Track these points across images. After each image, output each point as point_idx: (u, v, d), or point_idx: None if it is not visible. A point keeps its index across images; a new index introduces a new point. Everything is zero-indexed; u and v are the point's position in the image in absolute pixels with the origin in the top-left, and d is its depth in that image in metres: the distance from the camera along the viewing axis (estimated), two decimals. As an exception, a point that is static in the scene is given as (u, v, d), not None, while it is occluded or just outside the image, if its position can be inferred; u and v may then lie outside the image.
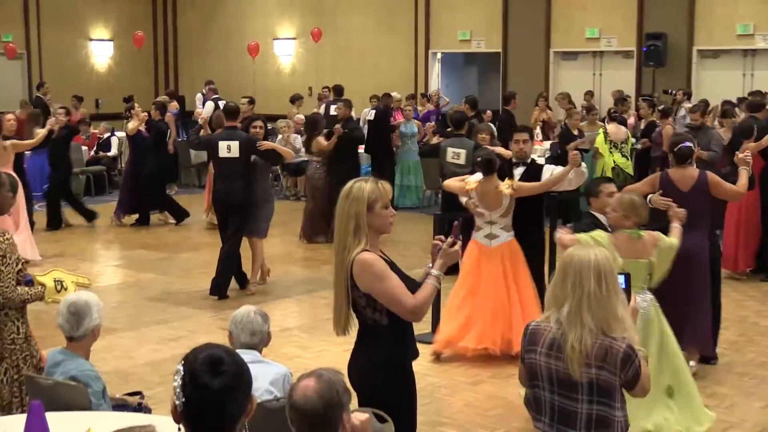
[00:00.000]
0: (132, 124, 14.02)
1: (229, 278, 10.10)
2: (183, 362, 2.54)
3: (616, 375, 3.57)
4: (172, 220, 14.25)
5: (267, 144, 10.28)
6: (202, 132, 10.75)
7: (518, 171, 8.16)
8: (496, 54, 19.97)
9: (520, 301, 7.78)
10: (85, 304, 4.70)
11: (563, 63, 19.39)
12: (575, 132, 13.70)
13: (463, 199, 7.92)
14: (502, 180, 7.80)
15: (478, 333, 7.82)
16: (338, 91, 17.83)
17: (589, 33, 18.72)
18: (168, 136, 14.93)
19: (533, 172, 8.07)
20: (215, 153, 10.13)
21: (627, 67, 18.54)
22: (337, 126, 13.21)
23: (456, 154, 10.76)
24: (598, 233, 6.11)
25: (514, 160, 8.28)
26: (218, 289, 10.00)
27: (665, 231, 6.38)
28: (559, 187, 7.90)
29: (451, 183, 8.11)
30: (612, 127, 14.44)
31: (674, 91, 16.66)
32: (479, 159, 7.78)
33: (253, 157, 10.08)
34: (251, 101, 14.72)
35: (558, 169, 7.90)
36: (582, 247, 3.71)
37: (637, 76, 18.34)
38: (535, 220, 8.15)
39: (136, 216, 14.24)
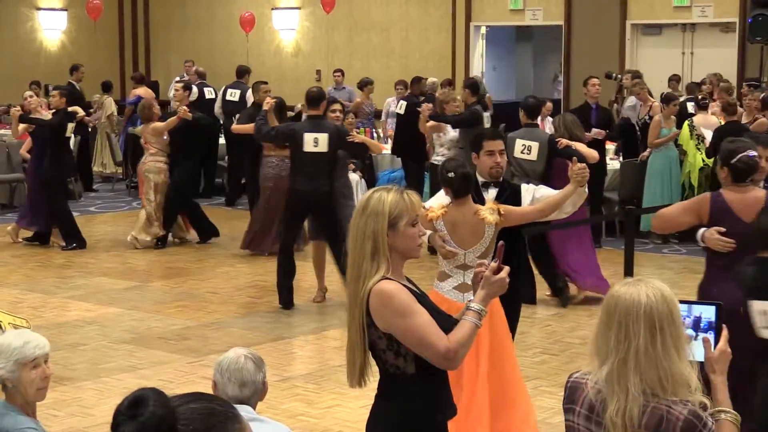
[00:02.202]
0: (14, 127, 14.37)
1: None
2: None
3: None
4: (62, 242, 14.21)
5: (359, 137, 11.30)
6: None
7: (490, 194, 7.24)
8: (556, 28, 19.99)
9: (501, 393, 6.79)
10: None
11: (644, 39, 19.40)
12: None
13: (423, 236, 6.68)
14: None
15: None
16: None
17: (677, 1, 18.73)
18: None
19: (512, 194, 7.18)
20: (298, 147, 10.86)
21: (726, 43, 18.53)
22: (183, 107, 13.94)
23: (526, 147, 11.16)
24: None
25: (482, 179, 7.30)
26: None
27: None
28: (552, 215, 7.21)
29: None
30: (700, 118, 14.46)
31: (618, 75, 16.92)
32: (450, 174, 6.77)
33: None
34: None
35: (543, 189, 7.26)
36: (632, 283, 3.55)
37: (739, 54, 18.32)
38: (513, 246, 6.85)
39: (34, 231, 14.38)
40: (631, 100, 16.09)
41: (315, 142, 10.79)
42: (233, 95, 18.01)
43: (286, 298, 11.22)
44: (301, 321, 10.84)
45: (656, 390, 3.49)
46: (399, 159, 16.18)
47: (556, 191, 7.11)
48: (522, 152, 11.20)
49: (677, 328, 3.49)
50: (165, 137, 14.09)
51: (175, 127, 13.95)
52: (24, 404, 4.73)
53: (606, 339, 3.53)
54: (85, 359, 9.49)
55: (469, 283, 6.54)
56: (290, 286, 11.25)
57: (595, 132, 13.62)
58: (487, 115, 14.30)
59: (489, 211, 6.78)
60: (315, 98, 11.02)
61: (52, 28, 23.54)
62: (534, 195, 7.11)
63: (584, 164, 7.01)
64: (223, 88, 18.37)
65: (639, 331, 3.46)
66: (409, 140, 15.69)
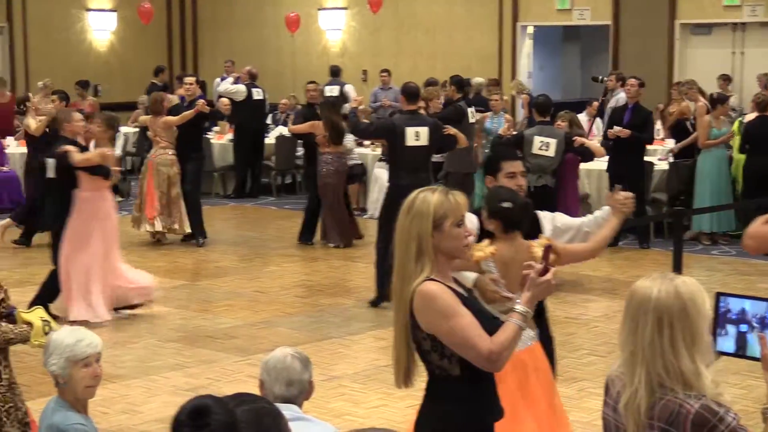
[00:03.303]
0: (32, 122, 14.44)
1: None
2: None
3: None
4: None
5: (452, 129, 11.46)
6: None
7: None
8: (604, 27, 19.90)
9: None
10: (50, 342, 4.80)
11: (693, 39, 19.27)
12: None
13: (469, 277, 5.43)
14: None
15: None
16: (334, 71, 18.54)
17: (727, 0, 18.59)
18: None
19: (532, 223, 6.10)
20: (400, 141, 11.03)
21: (777, 43, 18.39)
22: (202, 101, 14.02)
23: (544, 144, 11.54)
24: None
25: None
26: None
27: None
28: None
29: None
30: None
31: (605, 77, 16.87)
32: (507, 204, 5.74)
33: None
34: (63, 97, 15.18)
35: (561, 217, 6.31)
36: (653, 278, 3.58)
37: (789, 54, 18.17)
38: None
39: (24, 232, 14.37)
40: (614, 101, 16.02)
41: (416, 135, 11.05)
42: (332, 91, 18.58)
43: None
44: (347, 321, 10.86)
45: (665, 383, 3.52)
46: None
47: (576, 219, 6.32)
48: (540, 149, 11.61)
49: (691, 324, 3.50)
50: (174, 130, 14.06)
51: (187, 121, 13.89)
52: (75, 401, 4.77)
53: (623, 331, 3.60)
54: (133, 357, 9.56)
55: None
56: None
57: (617, 130, 13.61)
58: (471, 110, 14.56)
59: (540, 248, 5.40)
60: (413, 93, 11.38)
61: (101, 29, 23.73)
62: (554, 224, 6.18)
63: (631, 194, 6.10)
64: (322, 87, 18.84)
65: (647, 325, 3.51)
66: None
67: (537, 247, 5.57)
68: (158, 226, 14.12)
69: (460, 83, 14.98)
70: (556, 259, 5.42)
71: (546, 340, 6.14)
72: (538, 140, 11.67)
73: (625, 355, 3.57)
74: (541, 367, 5.89)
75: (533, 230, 5.96)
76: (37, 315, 5.50)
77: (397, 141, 11.07)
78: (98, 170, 10.50)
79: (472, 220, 5.63)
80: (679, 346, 3.51)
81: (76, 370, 4.71)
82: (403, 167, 11.03)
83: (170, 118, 14.07)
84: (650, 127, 14.35)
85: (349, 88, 18.99)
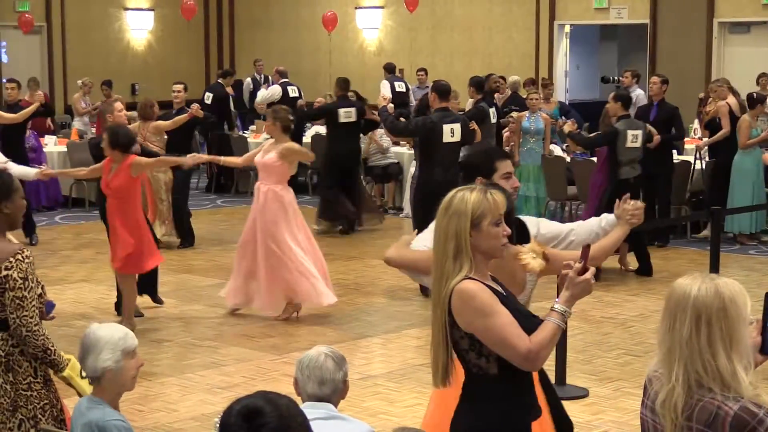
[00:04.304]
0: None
1: None
2: (219, 417, 2.64)
3: None
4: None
5: (473, 124, 12.01)
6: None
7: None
8: (642, 26, 19.81)
9: None
10: (94, 340, 4.79)
11: (731, 37, 19.14)
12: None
13: (507, 234, 4.92)
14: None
15: None
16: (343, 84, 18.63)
17: (765, -2, 18.48)
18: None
19: (520, 228, 5.57)
20: (437, 138, 11.40)
21: (817, 42, 18.24)
22: (196, 104, 13.96)
23: (634, 137, 12.33)
24: None
25: None
26: None
27: None
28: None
29: (411, 255, 5.43)
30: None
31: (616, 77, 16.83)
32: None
33: None
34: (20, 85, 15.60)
35: (546, 223, 5.85)
36: (693, 277, 3.56)
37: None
38: None
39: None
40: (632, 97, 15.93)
41: (451, 132, 11.45)
42: (401, 86, 19.01)
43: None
44: (382, 320, 10.85)
45: (702, 382, 3.48)
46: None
47: (563, 226, 5.87)
48: (632, 142, 12.24)
49: (730, 325, 3.46)
50: (164, 136, 13.86)
51: (181, 125, 13.80)
52: (112, 399, 4.78)
53: (661, 329, 3.58)
54: (169, 355, 9.58)
55: None
56: None
57: (656, 140, 13.56)
58: (492, 111, 14.64)
59: (531, 254, 5.02)
60: (445, 90, 11.73)
61: (139, 28, 23.86)
62: (539, 230, 5.67)
63: (641, 204, 5.67)
64: (387, 83, 19.11)
65: (684, 322, 3.48)
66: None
67: (525, 253, 4.98)
68: (159, 233, 13.67)
69: (479, 84, 15.05)
70: (547, 267, 4.99)
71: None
72: (630, 134, 12.24)
73: (662, 352, 3.55)
74: None
75: (521, 236, 5.40)
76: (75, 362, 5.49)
77: (434, 138, 11.37)
78: None
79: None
80: (717, 345, 3.47)
81: (127, 362, 4.75)
82: (438, 163, 11.35)
83: (162, 122, 13.89)
84: (678, 123, 14.25)
85: (383, 86, 19.00)
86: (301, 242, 10.55)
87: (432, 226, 5.03)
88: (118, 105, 11.23)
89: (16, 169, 9.53)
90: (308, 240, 10.68)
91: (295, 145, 10.79)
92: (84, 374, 5.28)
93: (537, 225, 5.69)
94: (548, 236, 5.66)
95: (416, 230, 5.62)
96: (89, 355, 4.75)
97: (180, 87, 15.06)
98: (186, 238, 14.23)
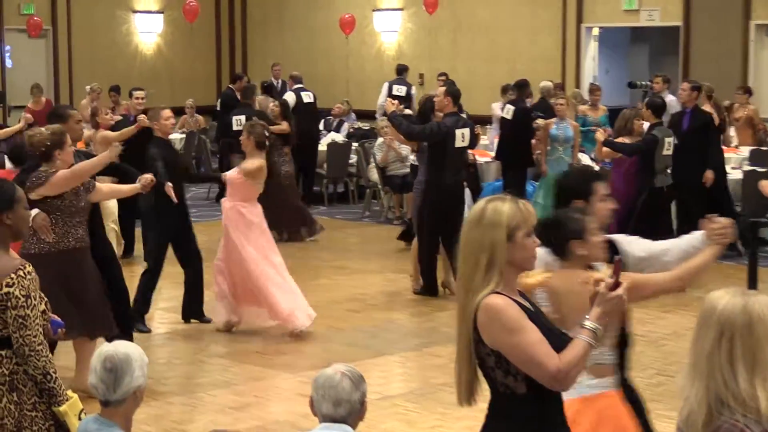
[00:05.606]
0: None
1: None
2: None
3: None
4: None
5: (479, 128, 12.83)
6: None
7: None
8: (674, 29, 19.74)
9: None
10: (125, 358, 4.79)
11: (768, 40, 19.10)
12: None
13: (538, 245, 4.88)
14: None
15: None
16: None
17: (804, -1, 18.41)
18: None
19: (610, 248, 5.56)
20: (451, 143, 11.82)
21: None
22: (142, 116, 13.13)
23: (669, 144, 12.64)
24: None
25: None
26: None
27: None
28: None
29: None
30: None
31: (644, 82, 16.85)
32: (553, 219, 5.39)
33: None
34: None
35: (639, 242, 5.75)
36: (725, 291, 3.53)
37: None
38: None
39: None
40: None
41: (462, 137, 11.90)
42: (399, 90, 18.72)
43: (434, 287, 12.14)
44: (402, 337, 10.81)
45: (723, 400, 3.45)
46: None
47: (656, 244, 5.75)
48: (666, 149, 12.59)
49: (755, 344, 3.44)
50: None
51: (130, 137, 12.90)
52: (126, 421, 4.78)
53: (691, 342, 3.58)
54: (178, 374, 9.57)
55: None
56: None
57: None
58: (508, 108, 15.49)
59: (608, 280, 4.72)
60: (459, 95, 12.25)
61: (148, 31, 23.91)
62: (633, 252, 5.62)
63: (729, 221, 5.56)
64: (387, 84, 19.07)
65: (707, 337, 3.48)
66: (513, 147, 15.66)
67: (600, 278, 4.69)
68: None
69: (521, 86, 15.96)
70: (632, 293, 4.69)
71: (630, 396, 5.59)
72: (667, 141, 12.64)
73: (687, 366, 3.55)
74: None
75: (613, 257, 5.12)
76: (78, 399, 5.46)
77: (448, 143, 11.79)
78: None
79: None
80: (738, 364, 3.45)
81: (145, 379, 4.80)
82: (449, 168, 11.87)
83: (108, 133, 13.31)
84: (713, 132, 14.17)
85: (397, 89, 18.87)
86: (263, 262, 10.60)
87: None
88: (167, 112, 10.91)
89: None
90: (266, 259, 10.67)
91: (253, 165, 10.67)
92: (84, 413, 5.26)
93: (628, 245, 5.62)
94: (640, 257, 5.60)
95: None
96: (125, 375, 4.73)
97: (141, 93, 14.70)
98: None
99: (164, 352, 10.16)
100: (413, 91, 19.00)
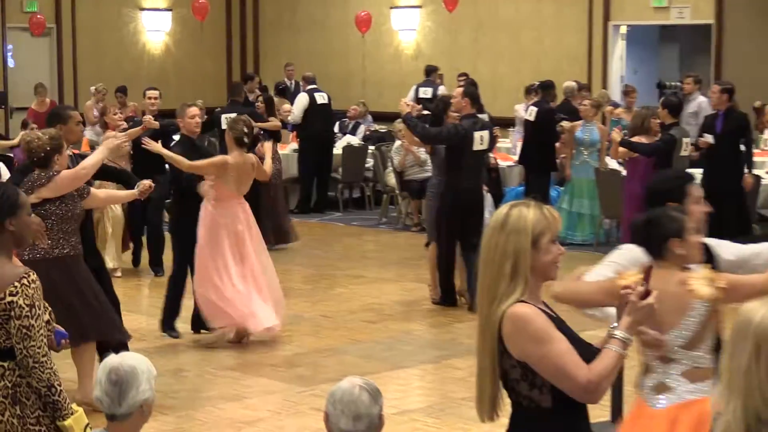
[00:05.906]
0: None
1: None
2: None
3: None
4: None
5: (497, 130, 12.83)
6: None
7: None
8: (705, 27, 19.71)
9: None
10: (131, 370, 4.79)
11: (804, 39, 19.06)
12: None
13: (608, 312, 5.39)
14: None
15: None
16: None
17: (841, -4, 18.37)
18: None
19: (705, 251, 5.73)
20: (468, 146, 11.76)
21: None
22: (148, 116, 13.35)
23: (687, 144, 12.72)
24: None
25: None
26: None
27: None
28: None
29: (582, 287, 5.55)
30: None
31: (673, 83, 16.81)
32: (650, 218, 5.41)
33: None
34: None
35: (727, 246, 5.86)
36: (760, 302, 3.47)
37: None
38: None
39: None
40: (692, 106, 15.85)
41: (481, 140, 11.87)
42: (426, 93, 18.82)
43: (451, 295, 12.15)
44: (420, 349, 10.80)
45: (762, 417, 3.39)
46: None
47: (746, 248, 5.88)
48: (684, 150, 12.69)
49: None
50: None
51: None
52: None
53: (724, 357, 3.53)
54: (186, 387, 9.56)
55: (667, 381, 5.27)
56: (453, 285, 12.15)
57: (706, 137, 13.56)
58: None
59: (702, 281, 5.14)
60: (477, 96, 12.27)
61: (155, 30, 23.95)
62: (725, 256, 5.74)
63: None
64: (414, 87, 19.19)
65: (744, 351, 3.42)
66: (537, 150, 15.66)
67: (696, 279, 5.15)
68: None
69: (548, 86, 15.99)
70: (722, 296, 5.11)
71: None
72: (685, 141, 12.74)
73: (722, 383, 3.49)
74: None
75: (708, 261, 5.49)
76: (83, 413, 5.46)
77: (465, 146, 11.76)
78: None
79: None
80: None
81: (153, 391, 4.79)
82: (465, 171, 11.83)
83: (115, 134, 12.86)
84: (749, 134, 14.13)
85: (423, 91, 18.95)
86: (235, 265, 10.59)
87: (608, 258, 5.66)
88: (193, 110, 11.02)
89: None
90: (241, 264, 10.65)
91: (217, 160, 10.63)
92: (89, 428, 5.25)
93: (718, 247, 5.75)
94: (730, 260, 5.70)
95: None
96: (131, 388, 4.73)
97: (155, 93, 14.61)
98: (158, 268, 13.98)
99: (173, 364, 10.16)
100: (440, 92, 18.93)
